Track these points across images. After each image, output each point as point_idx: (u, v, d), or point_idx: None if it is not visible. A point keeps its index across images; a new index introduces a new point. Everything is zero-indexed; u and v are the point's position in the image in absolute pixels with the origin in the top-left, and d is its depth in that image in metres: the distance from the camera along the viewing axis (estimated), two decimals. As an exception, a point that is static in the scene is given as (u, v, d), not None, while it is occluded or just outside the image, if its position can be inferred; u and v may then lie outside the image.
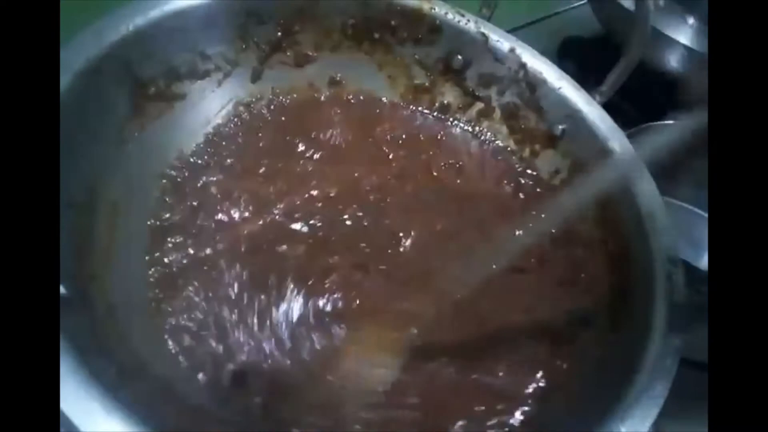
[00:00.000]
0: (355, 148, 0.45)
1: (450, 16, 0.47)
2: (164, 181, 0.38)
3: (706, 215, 0.56)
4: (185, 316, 0.32)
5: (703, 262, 0.52)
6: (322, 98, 0.47)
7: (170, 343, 0.31)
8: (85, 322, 0.27)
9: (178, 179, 0.39)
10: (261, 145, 0.43)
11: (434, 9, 0.47)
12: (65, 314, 0.24)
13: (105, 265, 0.31)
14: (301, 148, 0.43)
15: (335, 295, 0.35)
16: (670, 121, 0.53)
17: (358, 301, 0.36)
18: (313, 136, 0.44)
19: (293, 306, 0.34)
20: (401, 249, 0.39)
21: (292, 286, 0.35)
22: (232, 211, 0.38)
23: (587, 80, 0.53)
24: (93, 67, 0.33)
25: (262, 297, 0.34)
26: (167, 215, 0.36)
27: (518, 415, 0.33)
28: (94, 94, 0.34)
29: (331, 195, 0.41)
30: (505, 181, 0.46)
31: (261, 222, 0.38)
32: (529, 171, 0.47)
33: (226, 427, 0.29)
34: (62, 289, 0.26)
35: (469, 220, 0.42)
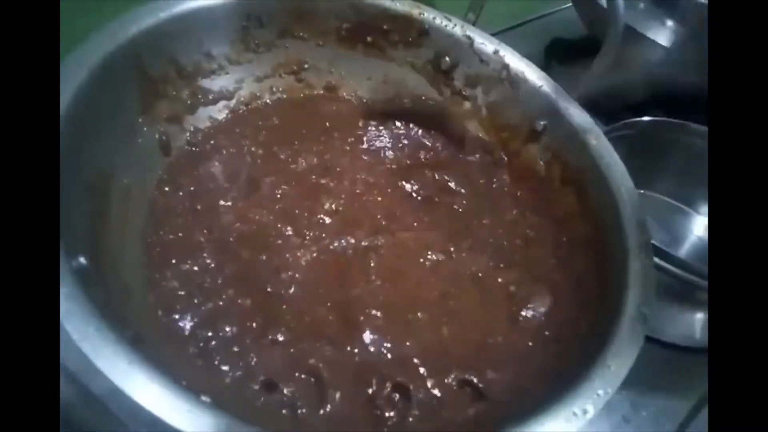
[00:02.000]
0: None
1: (438, 20, 0.50)
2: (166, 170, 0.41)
3: (683, 207, 0.59)
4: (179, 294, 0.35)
5: (680, 250, 0.54)
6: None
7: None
8: (102, 294, 0.30)
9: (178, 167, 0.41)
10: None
11: (423, 14, 0.50)
12: (86, 283, 0.27)
13: (118, 243, 0.34)
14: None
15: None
16: (647, 118, 0.56)
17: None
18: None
19: None
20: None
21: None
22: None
23: (573, 80, 0.55)
24: (107, 64, 0.36)
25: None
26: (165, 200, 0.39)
27: (492, 374, 0.35)
28: (107, 90, 0.36)
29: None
30: None
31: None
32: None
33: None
34: (82, 260, 0.29)
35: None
